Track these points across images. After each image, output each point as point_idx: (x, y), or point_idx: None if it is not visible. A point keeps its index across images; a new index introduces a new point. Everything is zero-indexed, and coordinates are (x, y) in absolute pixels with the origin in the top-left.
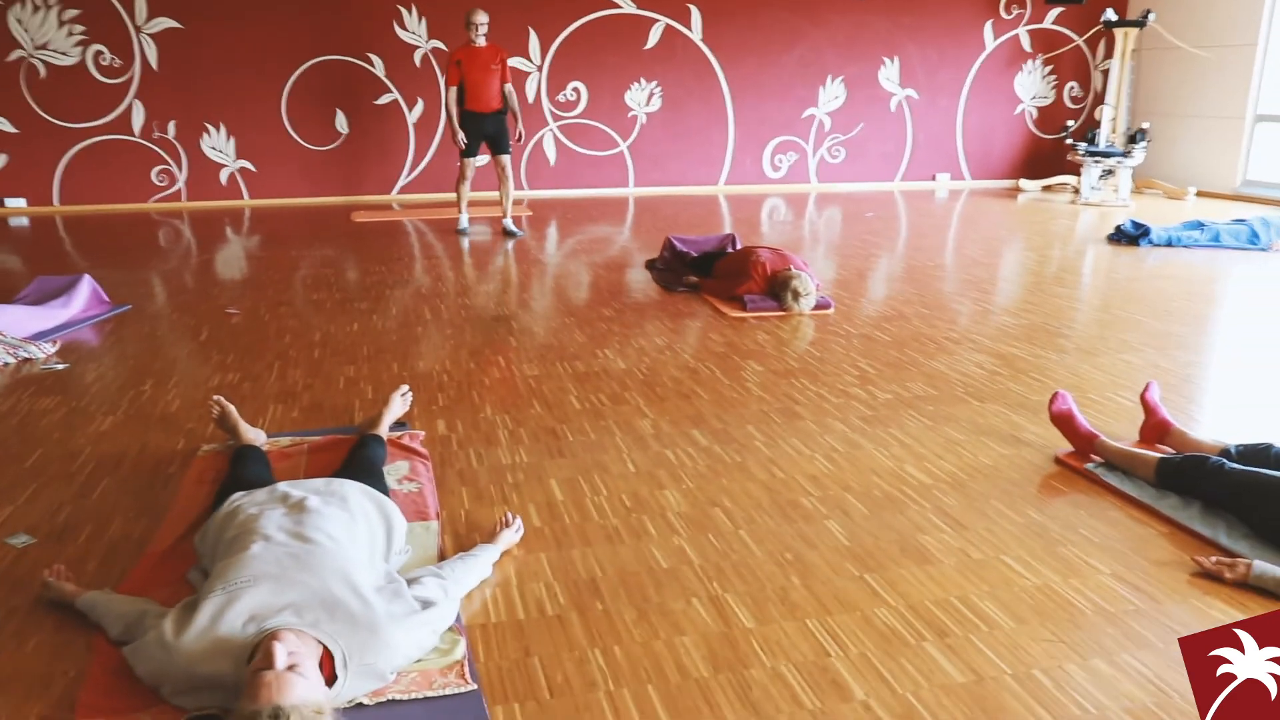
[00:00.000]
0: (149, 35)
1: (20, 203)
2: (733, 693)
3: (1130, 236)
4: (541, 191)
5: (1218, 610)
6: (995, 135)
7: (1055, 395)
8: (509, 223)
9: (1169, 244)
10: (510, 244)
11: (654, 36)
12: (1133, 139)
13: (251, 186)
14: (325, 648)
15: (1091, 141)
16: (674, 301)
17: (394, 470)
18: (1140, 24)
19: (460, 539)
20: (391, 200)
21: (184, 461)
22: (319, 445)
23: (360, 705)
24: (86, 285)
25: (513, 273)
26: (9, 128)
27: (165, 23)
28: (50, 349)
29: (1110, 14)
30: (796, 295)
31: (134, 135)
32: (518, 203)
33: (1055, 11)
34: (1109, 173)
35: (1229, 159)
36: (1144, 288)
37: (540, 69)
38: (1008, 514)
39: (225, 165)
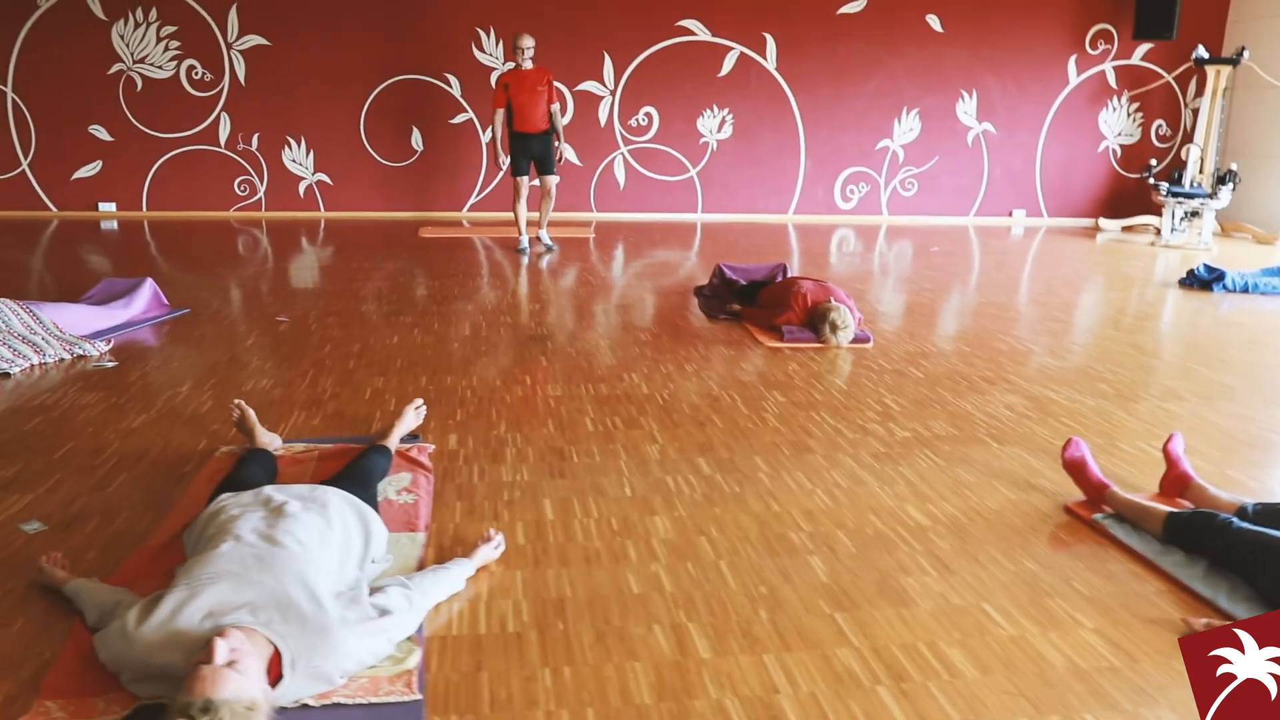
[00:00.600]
0: (239, 51)
1: (111, 207)
2: None
3: (1203, 281)
4: (610, 214)
5: None
6: (1076, 172)
7: (1069, 441)
8: (545, 236)
9: (1244, 290)
10: (547, 258)
11: (728, 64)
12: (1221, 180)
13: (328, 199)
14: (276, 647)
15: (1176, 181)
16: (714, 329)
17: (396, 481)
18: (1234, 61)
19: (443, 551)
20: (462, 218)
21: (201, 461)
22: (329, 453)
23: (305, 706)
24: (148, 288)
25: (561, 293)
26: (105, 136)
27: (255, 40)
28: (104, 347)
29: (1202, 51)
30: (834, 328)
31: (220, 146)
32: (581, 224)
33: (1144, 48)
34: (1194, 214)
35: None
36: (1205, 335)
37: (614, 93)
38: (1001, 561)
39: (304, 178)
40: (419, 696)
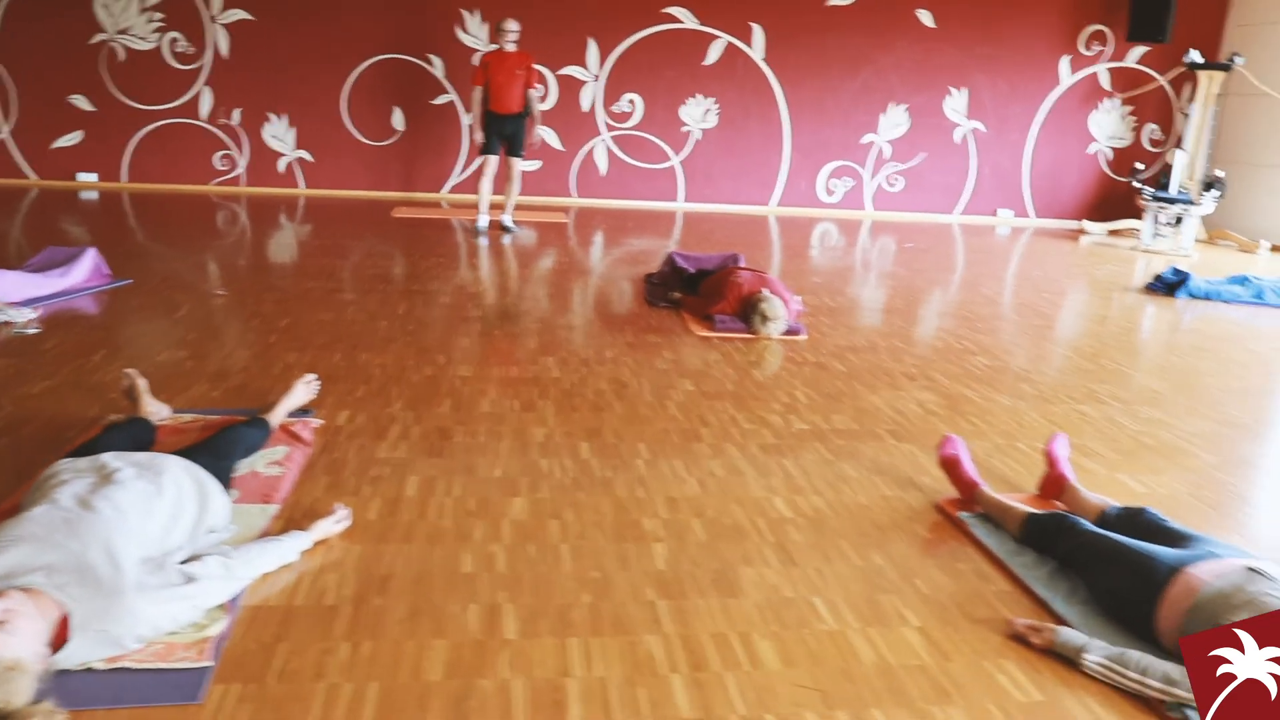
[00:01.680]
0: (222, 25)
1: (92, 177)
2: (450, 699)
3: (1169, 285)
4: (590, 200)
5: (1004, 674)
6: (1065, 174)
7: (945, 439)
8: (508, 219)
9: (1207, 297)
10: (507, 239)
11: (714, 53)
12: (1209, 186)
13: (309, 176)
14: (66, 610)
15: (1164, 187)
16: (649, 316)
17: (271, 454)
18: (1226, 67)
19: (292, 524)
20: (441, 198)
21: (85, 429)
22: (213, 424)
23: (91, 670)
24: (89, 258)
25: (511, 277)
26: (87, 106)
27: (238, 14)
28: (31, 314)
29: (1194, 55)
30: (765, 319)
31: (201, 120)
32: (559, 209)
33: (1139, 50)
34: (1179, 220)
35: None
36: (1149, 340)
37: (597, 79)
38: (850, 556)
39: (284, 154)
40: (209, 664)
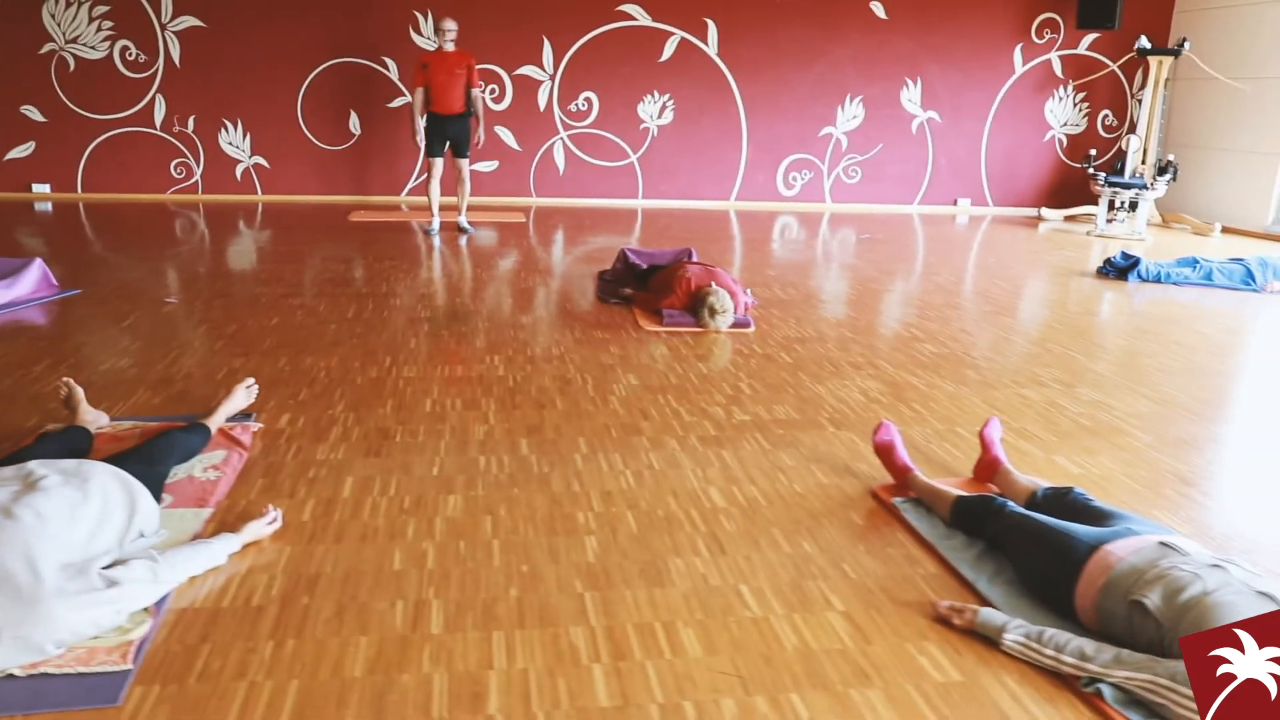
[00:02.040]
0: (174, 32)
1: (45, 188)
2: (370, 695)
3: (1119, 269)
4: (548, 199)
5: (925, 656)
6: (1021, 162)
7: (879, 425)
8: (463, 220)
9: (1157, 279)
10: (463, 239)
11: (669, 49)
12: (1162, 171)
13: (265, 182)
14: None
15: (1118, 172)
16: (600, 313)
17: (209, 459)
18: (1175, 53)
19: (224, 526)
20: (400, 201)
21: (20, 439)
22: (149, 430)
23: (11, 676)
24: (36, 269)
25: (462, 278)
26: (38, 117)
27: (190, 21)
28: None
29: (1144, 41)
30: (713, 312)
31: (155, 128)
32: (517, 209)
33: (1091, 37)
34: (1133, 205)
35: (1261, 196)
36: (1096, 323)
37: (553, 78)
38: (780, 544)
39: (240, 161)
40: (129, 667)
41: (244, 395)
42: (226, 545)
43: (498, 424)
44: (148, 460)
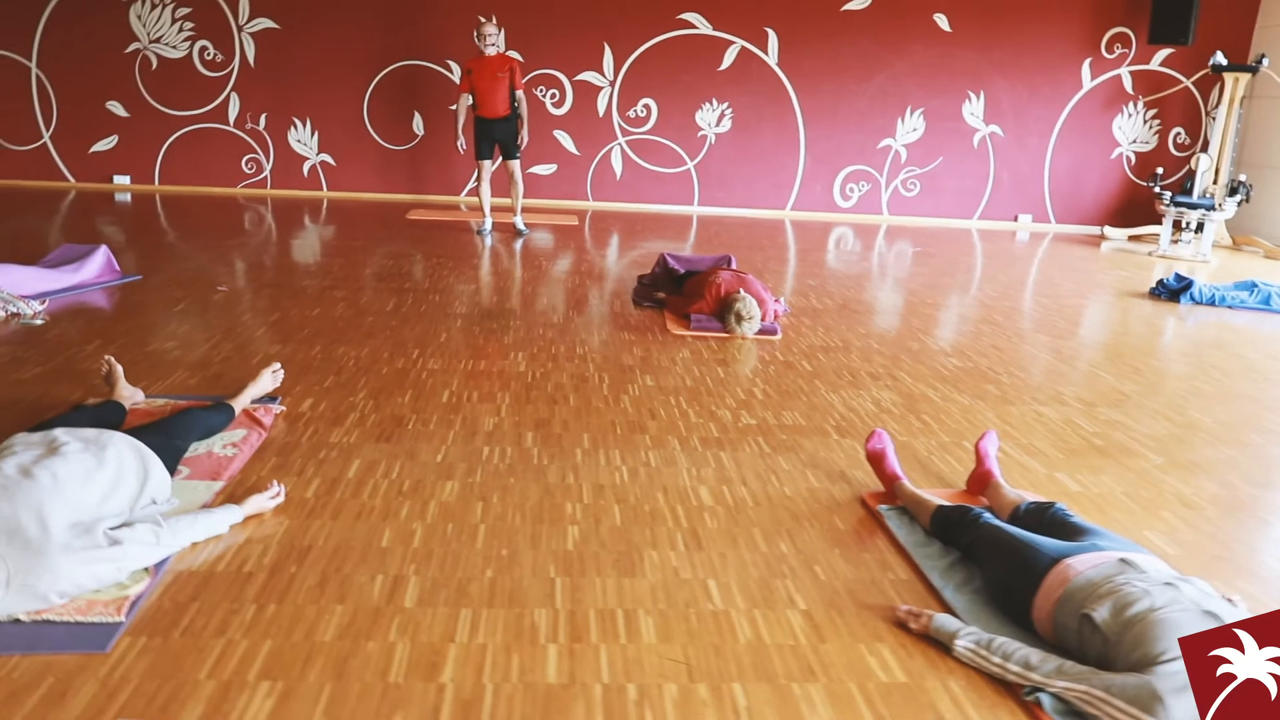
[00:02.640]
0: (249, 34)
1: (125, 180)
2: (335, 658)
3: (1172, 290)
4: (605, 204)
5: (876, 657)
6: (1087, 179)
7: (872, 433)
8: (519, 222)
9: (1211, 302)
10: (519, 242)
11: (729, 58)
12: (1233, 191)
13: (330, 179)
14: None
15: (1187, 191)
16: (633, 316)
17: (230, 436)
18: (1253, 70)
19: (232, 499)
20: (460, 201)
21: (64, 410)
22: (180, 408)
23: (17, 621)
24: (101, 255)
25: (504, 277)
26: (122, 112)
27: (265, 23)
28: (39, 306)
29: (1220, 57)
30: (739, 319)
31: (229, 125)
32: (571, 213)
33: (1164, 53)
34: (1200, 226)
35: None
36: (1136, 344)
37: (613, 84)
38: (758, 543)
39: (308, 158)
40: (122, 620)
41: (270, 379)
42: (229, 516)
43: (508, 417)
44: (166, 433)
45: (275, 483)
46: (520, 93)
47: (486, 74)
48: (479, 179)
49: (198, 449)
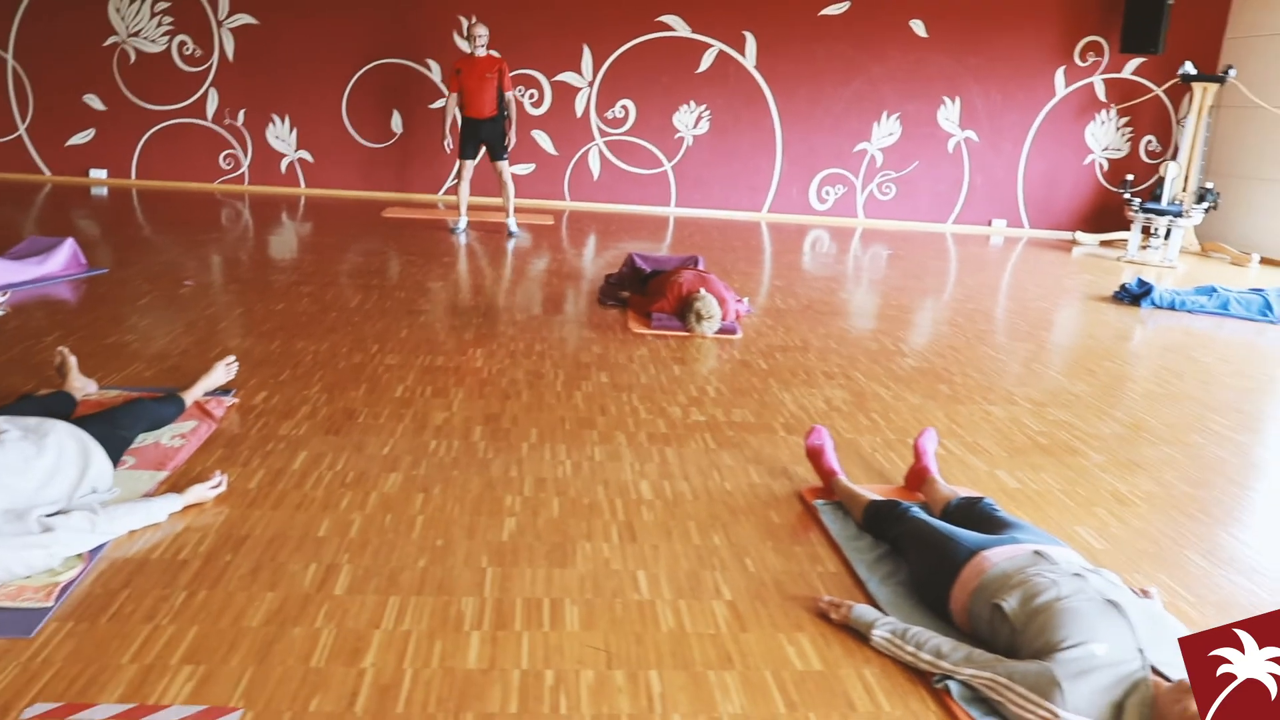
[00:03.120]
0: (229, 29)
1: (102, 174)
2: (260, 643)
3: (1134, 295)
4: (582, 204)
5: (794, 646)
6: (1060, 185)
7: (811, 430)
8: (511, 223)
9: (1171, 306)
10: (511, 243)
11: (706, 61)
12: (1200, 198)
13: (309, 176)
14: None
15: (1157, 198)
16: (594, 315)
17: (179, 427)
18: (1220, 80)
19: (175, 488)
20: (437, 200)
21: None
22: (131, 399)
23: None
24: (67, 247)
25: (473, 274)
26: (99, 105)
27: (244, 18)
28: (1, 298)
29: (1189, 67)
30: (699, 317)
31: (207, 120)
32: (546, 212)
33: (1136, 61)
34: (1168, 232)
35: None
36: (1092, 346)
37: (591, 85)
38: (692, 536)
39: (286, 155)
40: (50, 605)
41: (223, 372)
42: (168, 505)
43: (459, 411)
44: (111, 423)
45: (218, 473)
46: (509, 95)
47: (475, 74)
48: (459, 177)
49: (145, 439)
